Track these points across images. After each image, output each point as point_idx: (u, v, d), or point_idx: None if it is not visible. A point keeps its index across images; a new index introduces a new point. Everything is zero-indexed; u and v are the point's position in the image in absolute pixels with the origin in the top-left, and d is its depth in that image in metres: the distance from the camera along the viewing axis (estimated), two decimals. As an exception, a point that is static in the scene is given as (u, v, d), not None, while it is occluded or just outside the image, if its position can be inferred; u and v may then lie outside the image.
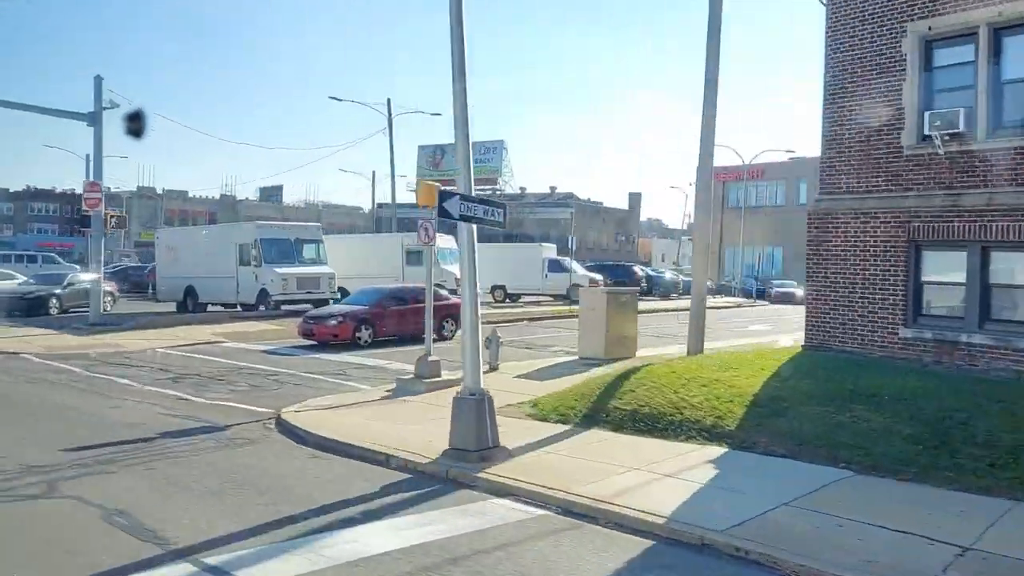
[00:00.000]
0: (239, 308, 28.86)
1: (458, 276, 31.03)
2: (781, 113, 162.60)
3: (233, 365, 16.78)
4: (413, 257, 33.03)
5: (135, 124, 14.37)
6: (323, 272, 28.22)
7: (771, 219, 58.92)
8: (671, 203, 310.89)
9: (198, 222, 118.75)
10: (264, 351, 19.26)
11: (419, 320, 17.45)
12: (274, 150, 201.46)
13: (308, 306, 27.55)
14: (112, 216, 24.43)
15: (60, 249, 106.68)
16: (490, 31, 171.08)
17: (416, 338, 18.78)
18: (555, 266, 37.73)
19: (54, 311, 28.53)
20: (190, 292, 29.90)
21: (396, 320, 20.91)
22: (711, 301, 37.11)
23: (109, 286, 32.45)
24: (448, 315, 21.35)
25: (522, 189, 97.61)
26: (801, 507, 6.99)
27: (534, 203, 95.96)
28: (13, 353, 18.38)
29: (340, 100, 33.51)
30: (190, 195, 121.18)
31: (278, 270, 27.21)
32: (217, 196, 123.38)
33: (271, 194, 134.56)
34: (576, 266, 38.38)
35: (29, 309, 27.51)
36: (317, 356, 18.23)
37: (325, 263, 28.72)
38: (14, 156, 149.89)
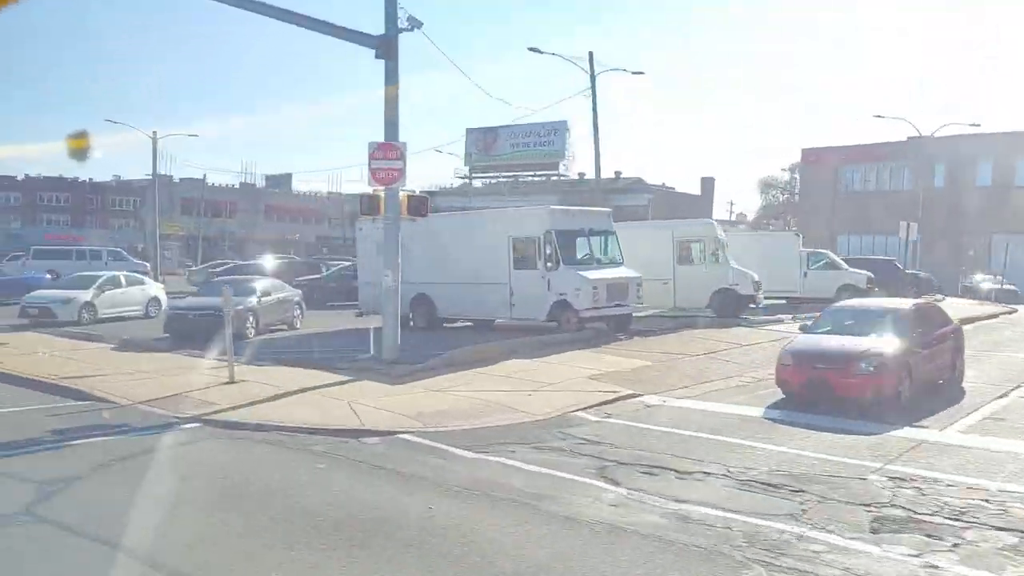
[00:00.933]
0: (494, 323, 21.63)
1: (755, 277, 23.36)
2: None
3: (855, 466, 8.94)
4: (686, 254, 25.26)
5: None
6: (630, 277, 20.41)
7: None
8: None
9: (220, 212, 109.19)
10: (771, 420, 11.71)
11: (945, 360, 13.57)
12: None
13: (601, 324, 19.76)
14: (411, 200, 16.07)
15: (71, 242, 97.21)
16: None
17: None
18: (820, 261, 29.97)
19: (250, 332, 20.24)
20: (420, 303, 21.69)
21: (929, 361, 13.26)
22: (981, 307, 29.98)
23: (296, 295, 24.35)
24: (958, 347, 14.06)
25: (580, 175, 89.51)
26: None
27: (606, 190, 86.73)
28: (368, 434, 10.75)
29: (541, 53, 28.15)
30: (210, 182, 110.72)
31: (586, 274, 19.30)
32: (236, 184, 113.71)
33: (279, 182, 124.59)
34: (841, 261, 30.68)
35: (209, 331, 18.10)
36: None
37: (622, 263, 20.82)
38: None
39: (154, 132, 50.14)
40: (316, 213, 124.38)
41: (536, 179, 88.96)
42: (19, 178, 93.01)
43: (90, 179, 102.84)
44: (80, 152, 13.61)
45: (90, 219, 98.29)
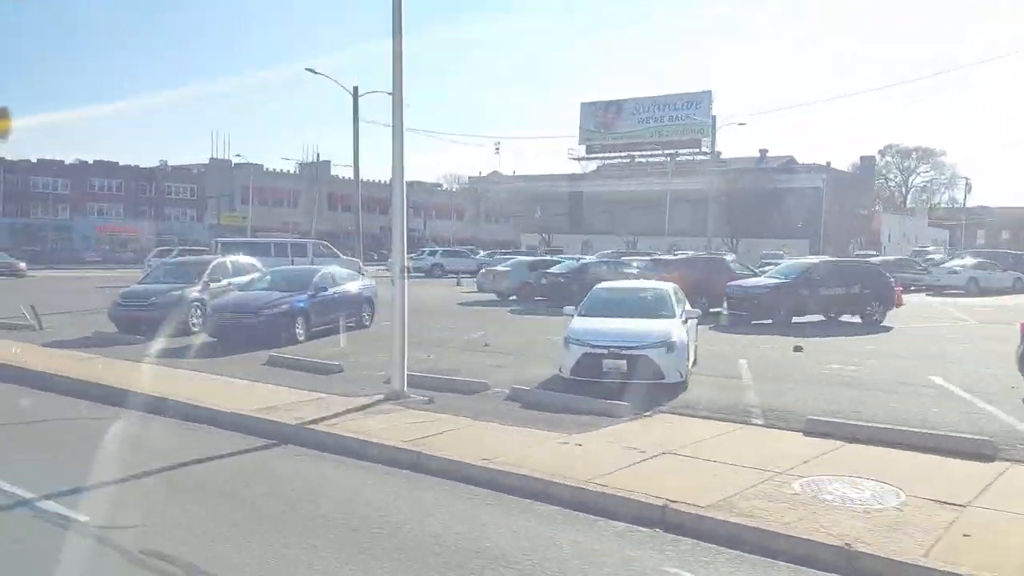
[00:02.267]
0: None
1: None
2: None
3: None
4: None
5: None
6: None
7: None
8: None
9: (281, 200, 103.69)
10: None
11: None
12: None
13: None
14: None
15: (126, 235, 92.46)
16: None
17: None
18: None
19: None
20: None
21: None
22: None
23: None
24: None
25: (718, 153, 78.72)
26: None
27: (774, 169, 76.04)
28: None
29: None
30: (267, 167, 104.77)
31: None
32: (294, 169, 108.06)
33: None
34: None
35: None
36: None
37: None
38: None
39: (355, 87, 42.47)
40: (381, 203, 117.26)
41: (668, 159, 75.24)
42: (67, 162, 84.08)
43: (138, 164, 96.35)
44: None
45: (144, 208, 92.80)
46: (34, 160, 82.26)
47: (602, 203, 75.79)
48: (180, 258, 28.99)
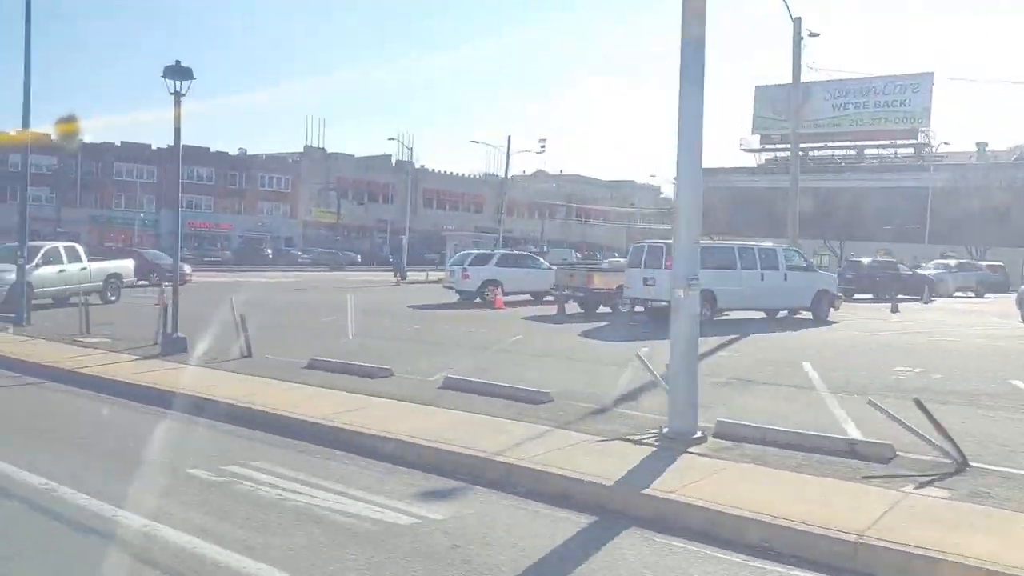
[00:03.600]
0: None
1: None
2: None
3: None
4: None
5: None
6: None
7: None
8: None
9: (376, 196, 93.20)
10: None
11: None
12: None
13: None
14: None
15: (217, 231, 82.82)
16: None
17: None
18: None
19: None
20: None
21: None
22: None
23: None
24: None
25: (938, 146, 66.23)
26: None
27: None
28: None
29: None
30: (359, 155, 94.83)
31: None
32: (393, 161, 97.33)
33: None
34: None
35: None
36: None
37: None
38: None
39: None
40: (476, 200, 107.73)
41: (880, 150, 66.55)
42: (154, 147, 77.29)
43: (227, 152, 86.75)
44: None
45: (232, 201, 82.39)
46: (118, 144, 72.36)
47: (779, 200, 63.54)
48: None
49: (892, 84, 65.13)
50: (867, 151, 68.79)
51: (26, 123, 17.70)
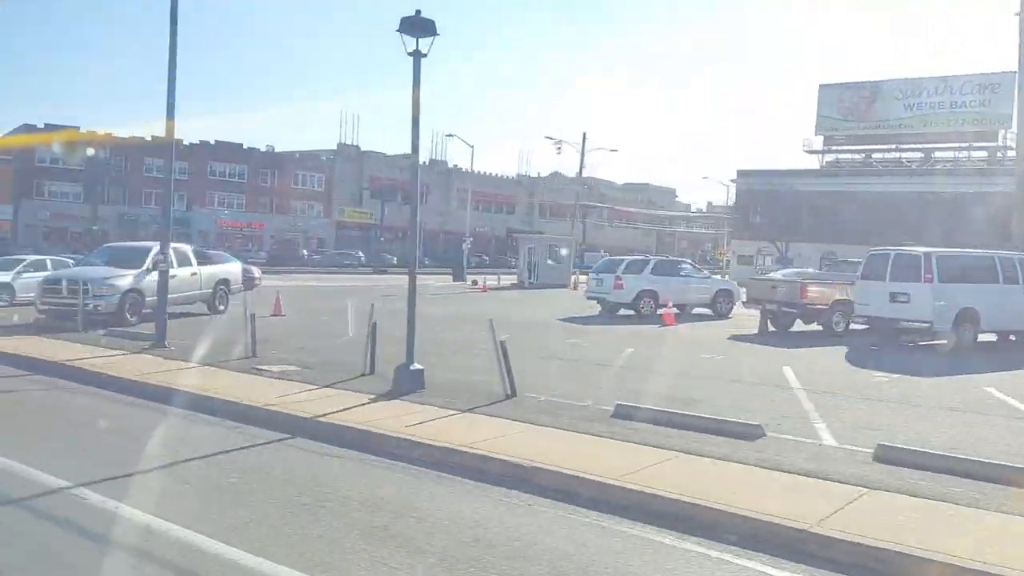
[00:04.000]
0: None
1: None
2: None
3: None
4: None
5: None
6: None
7: None
8: None
9: (407, 202, 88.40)
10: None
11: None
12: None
13: None
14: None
15: (249, 231, 79.37)
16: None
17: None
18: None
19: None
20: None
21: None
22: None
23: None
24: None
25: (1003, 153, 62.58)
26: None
27: None
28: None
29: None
30: (391, 153, 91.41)
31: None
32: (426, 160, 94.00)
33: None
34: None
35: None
36: None
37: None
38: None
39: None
40: (509, 200, 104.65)
41: (956, 154, 62.57)
42: (185, 142, 73.80)
43: (272, 148, 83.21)
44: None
45: (265, 200, 78.96)
46: (148, 138, 69.16)
47: (852, 205, 60.88)
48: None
49: (970, 82, 61.79)
50: (936, 154, 66.00)
51: (171, 112, 14.53)
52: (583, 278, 43.67)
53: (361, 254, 73.58)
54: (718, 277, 25.85)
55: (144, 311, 18.54)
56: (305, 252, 73.41)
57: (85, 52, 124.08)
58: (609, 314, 24.19)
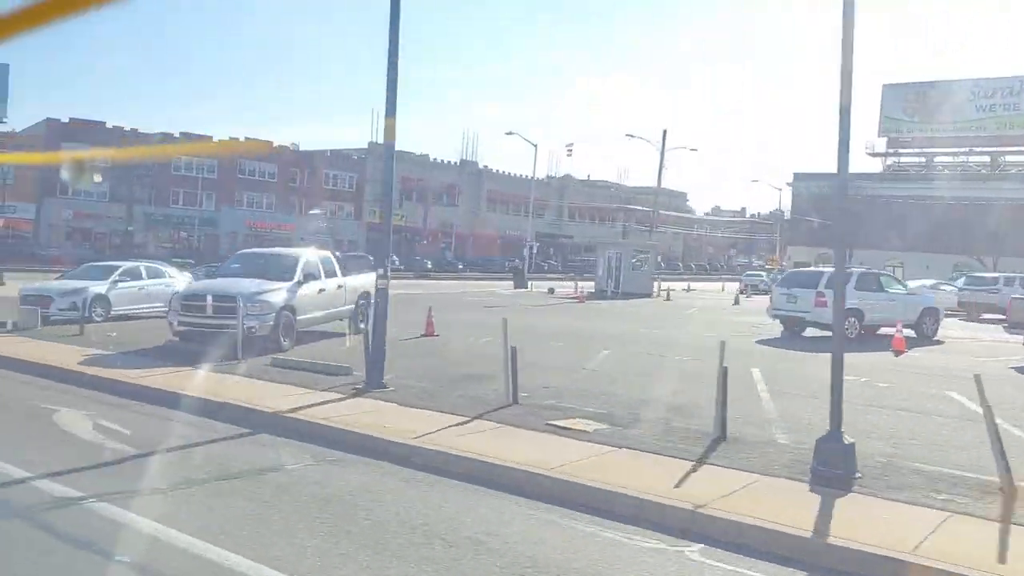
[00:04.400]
0: None
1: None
2: None
3: None
4: None
5: None
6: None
7: None
8: None
9: (440, 196, 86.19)
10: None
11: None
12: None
13: None
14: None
15: (279, 232, 75.88)
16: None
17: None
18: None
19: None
20: None
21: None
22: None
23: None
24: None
25: None
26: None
27: None
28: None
29: None
30: (420, 153, 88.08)
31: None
32: (456, 161, 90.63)
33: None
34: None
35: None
36: None
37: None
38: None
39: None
40: (538, 202, 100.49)
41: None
42: (214, 138, 70.92)
43: (297, 145, 79.70)
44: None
45: (294, 200, 75.59)
46: (176, 135, 65.89)
47: (919, 211, 58.18)
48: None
49: (997, 86, 59.41)
50: (1006, 158, 63.34)
51: (390, 110, 11.29)
52: (665, 286, 41.45)
53: (395, 258, 70.29)
54: (927, 293, 22.55)
55: (297, 332, 15.34)
56: (338, 254, 69.85)
57: (96, 45, 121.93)
58: (791, 335, 21.10)
